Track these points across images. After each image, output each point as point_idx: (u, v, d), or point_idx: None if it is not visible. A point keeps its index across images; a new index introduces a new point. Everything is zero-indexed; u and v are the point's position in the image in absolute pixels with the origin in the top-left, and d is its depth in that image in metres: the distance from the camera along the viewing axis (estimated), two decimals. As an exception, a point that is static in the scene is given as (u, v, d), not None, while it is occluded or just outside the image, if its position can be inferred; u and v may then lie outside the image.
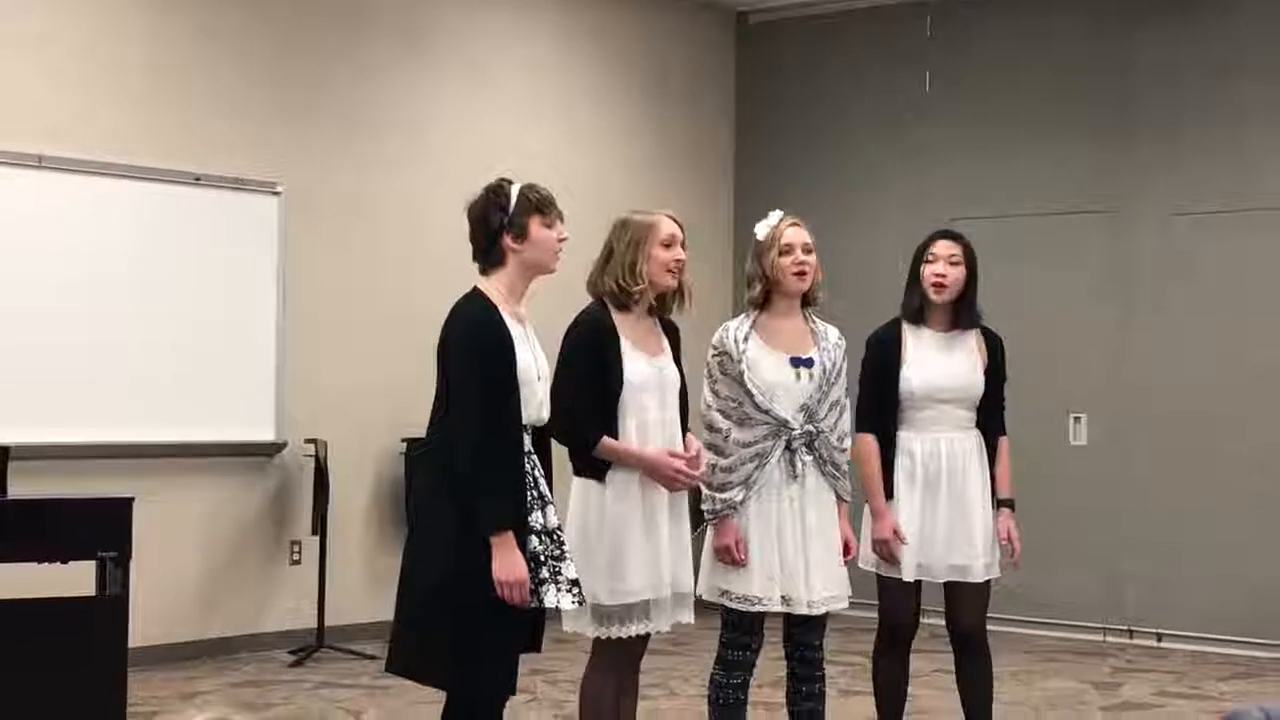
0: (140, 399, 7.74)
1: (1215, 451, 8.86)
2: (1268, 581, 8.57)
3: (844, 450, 5.08)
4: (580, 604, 4.34)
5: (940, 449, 5.32)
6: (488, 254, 4.31)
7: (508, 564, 4.10)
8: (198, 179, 7.99)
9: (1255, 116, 8.89)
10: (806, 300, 5.09)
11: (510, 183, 4.35)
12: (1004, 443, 5.45)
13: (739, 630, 4.94)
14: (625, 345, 4.67)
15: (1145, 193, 9.21)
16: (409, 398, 8.12)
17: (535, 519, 4.25)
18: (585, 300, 4.81)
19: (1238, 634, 8.71)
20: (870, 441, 5.34)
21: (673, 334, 4.88)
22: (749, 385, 4.90)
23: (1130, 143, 9.26)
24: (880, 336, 5.44)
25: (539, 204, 4.32)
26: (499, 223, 4.27)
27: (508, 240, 4.28)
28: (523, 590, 4.13)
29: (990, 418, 5.42)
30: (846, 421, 5.12)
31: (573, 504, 4.67)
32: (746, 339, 4.97)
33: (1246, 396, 8.79)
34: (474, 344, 4.17)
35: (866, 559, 5.35)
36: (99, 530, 5.87)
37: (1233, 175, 8.94)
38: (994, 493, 5.38)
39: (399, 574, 4.30)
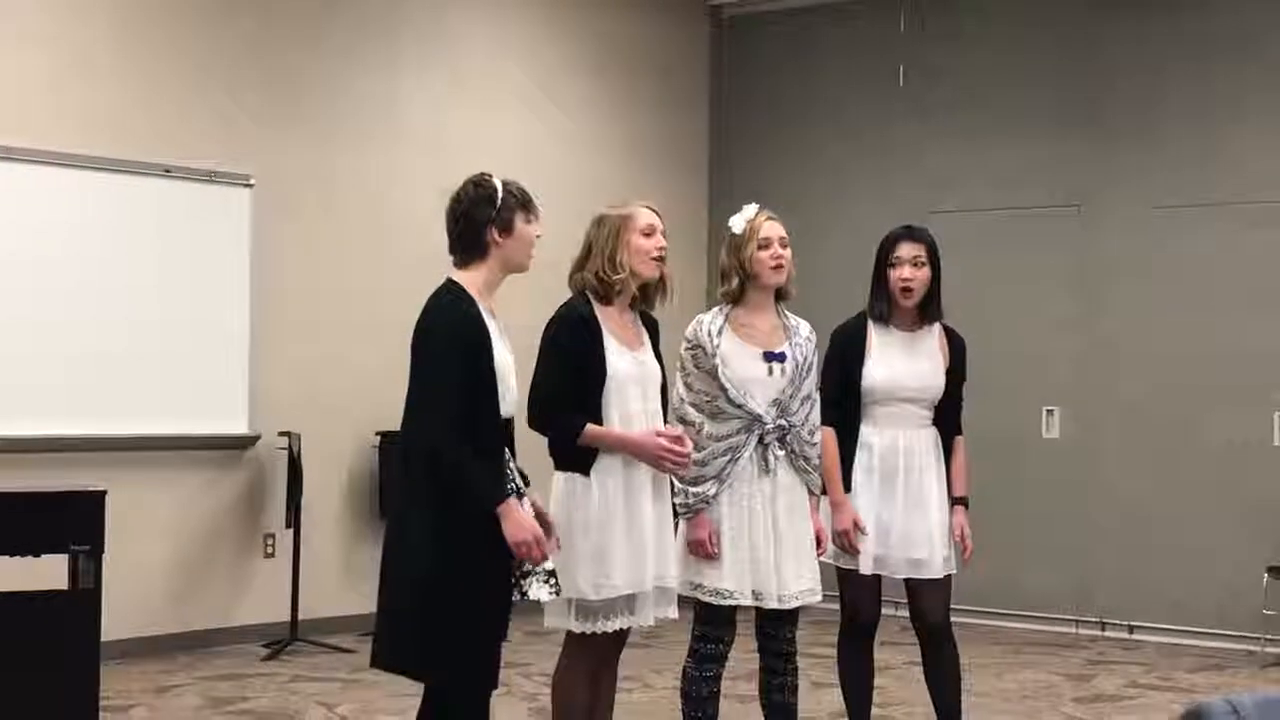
0: (113, 392, 7.71)
1: (1187, 444, 8.91)
2: (1238, 574, 8.61)
3: (815, 444, 5.10)
4: (557, 594, 4.35)
5: (899, 444, 5.33)
6: (469, 248, 4.31)
7: (519, 526, 4.13)
8: (169, 171, 7.97)
9: (1225, 111, 8.94)
10: (780, 294, 5.10)
11: (492, 177, 4.35)
12: (959, 441, 5.48)
13: (711, 623, 4.94)
14: (608, 338, 4.67)
15: (1116, 187, 9.25)
16: (382, 389, 8.11)
17: None
18: (564, 295, 4.81)
19: (1208, 626, 8.76)
20: (830, 435, 5.34)
21: (652, 328, 4.88)
22: (723, 380, 4.91)
23: (1101, 137, 9.29)
24: (844, 331, 5.45)
25: (524, 201, 4.34)
26: (486, 217, 4.28)
27: (493, 235, 4.28)
28: (541, 546, 4.16)
29: (947, 417, 5.44)
30: (817, 414, 5.13)
31: (555, 499, 4.66)
32: (720, 333, 4.98)
33: (1217, 389, 8.83)
34: (457, 337, 4.16)
35: (826, 551, 5.37)
36: (71, 523, 5.85)
37: (1202, 170, 8.98)
38: (950, 490, 5.40)
39: (380, 568, 4.29)
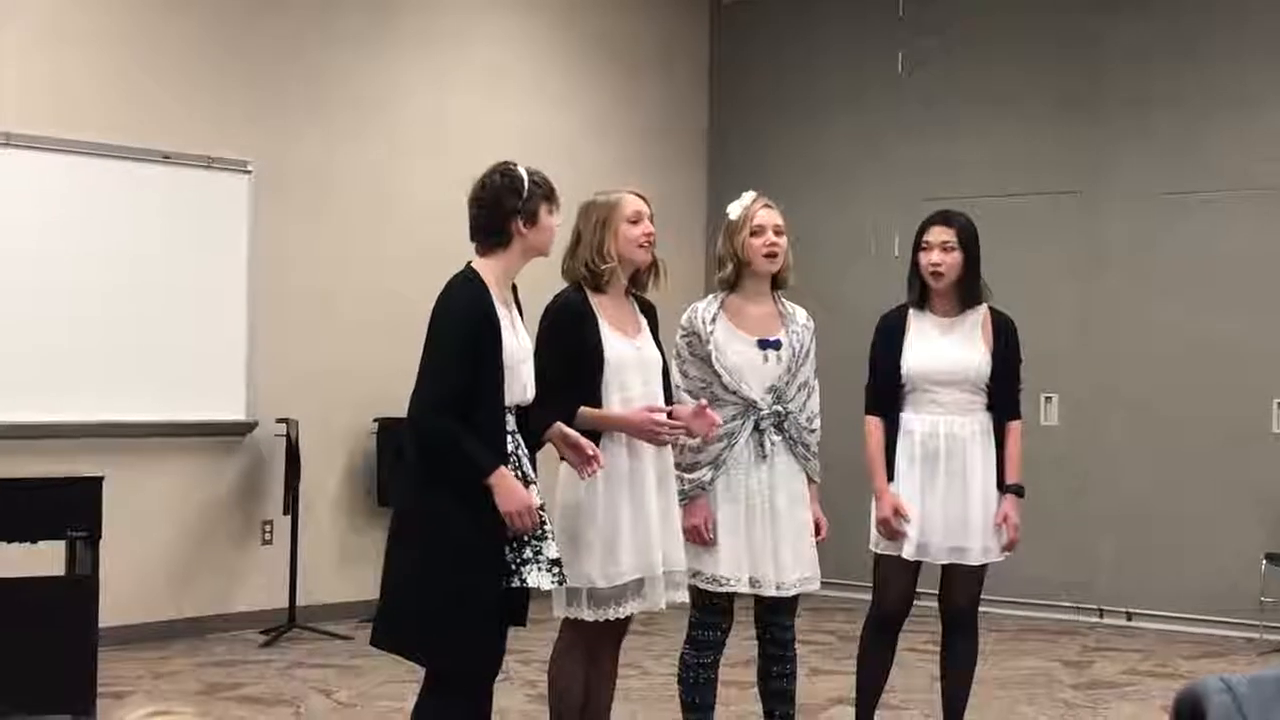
0: (110, 378, 7.70)
1: (1184, 431, 8.91)
2: (1236, 560, 8.61)
3: (814, 431, 5.09)
4: (560, 584, 4.35)
5: (939, 431, 5.29)
6: (492, 236, 4.32)
7: (508, 494, 4.14)
8: (167, 157, 7.95)
9: (1224, 98, 8.92)
10: (777, 282, 5.09)
11: (516, 165, 4.35)
12: (1014, 427, 5.39)
13: (709, 610, 4.95)
14: (603, 325, 4.68)
15: (1115, 174, 9.24)
16: (381, 376, 8.12)
17: None
18: (559, 283, 4.82)
19: (1206, 613, 8.76)
20: (874, 423, 5.35)
21: (650, 313, 4.88)
22: (716, 366, 4.91)
23: (1100, 124, 9.28)
24: (885, 321, 5.45)
25: (547, 191, 4.35)
26: (513, 208, 4.28)
27: (518, 225, 4.30)
28: (532, 516, 4.17)
29: (1000, 401, 5.37)
30: (816, 402, 5.13)
31: (561, 488, 4.66)
32: (714, 320, 4.98)
33: (1215, 377, 8.83)
34: (463, 323, 4.18)
35: (875, 540, 5.36)
36: (68, 510, 5.86)
37: (1203, 157, 8.97)
38: (1000, 477, 5.35)
39: (385, 549, 4.30)
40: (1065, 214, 9.38)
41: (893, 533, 5.26)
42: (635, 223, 4.71)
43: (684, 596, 4.78)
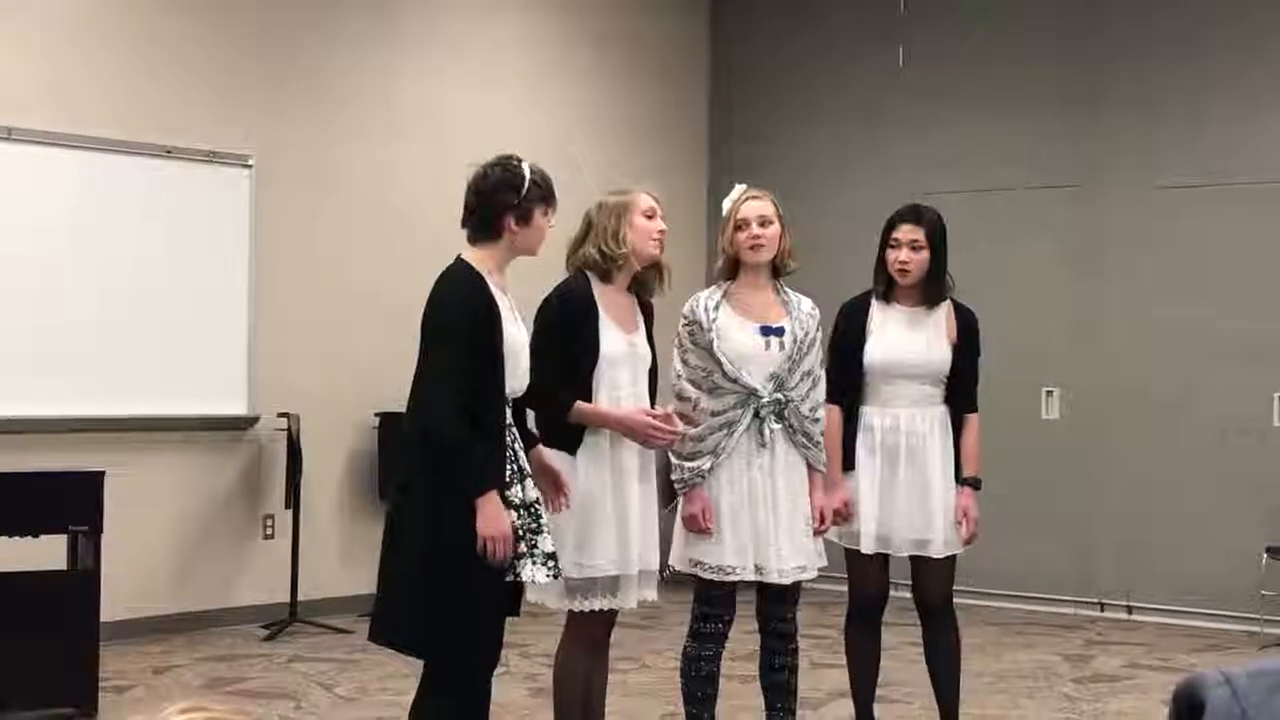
0: (112, 373, 7.71)
1: (1186, 425, 8.91)
2: (1237, 554, 8.61)
3: (817, 420, 5.09)
4: (555, 577, 4.36)
5: (900, 424, 5.31)
6: (483, 228, 4.32)
7: (492, 520, 4.12)
8: (169, 152, 7.95)
9: (1225, 90, 8.92)
10: (778, 270, 5.10)
11: (521, 162, 4.35)
12: (972, 420, 5.41)
13: (711, 603, 4.95)
14: (603, 318, 4.69)
15: (1116, 167, 9.24)
16: (381, 370, 8.12)
17: (514, 492, 4.26)
18: (560, 273, 4.82)
19: (1207, 606, 8.76)
20: (834, 412, 5.35)
21: (646, 313, 4.90)
22: (718, 354, 4.92)
23: (1101, 118, 9.28)
24: (848, 309, 5.45)
25: (546, 193, 4.35)
26: (507, 203, 4.28)
27: (509, 221, 4.29)
28: (507, 545, 4.15)
29: (958, 394, 5.39)
30: (820, 392, 5.12)
31: None
32: (717, 308, 5.00)
33: (1216, 370, 8.83)
34: (463, 313, 4.19)
35: (836, 532, 5.37)
36: (70, 504, 5.87)
37: (1203, 149, 8.97)
38: (958, 470, 5.38)
39: (382, 544, 4.30)
40: (1067, 207, 9.37)
41: (841, 524, 5.27)
42: (650, 218, 4.74)
43: (654, 595, 4.80)
